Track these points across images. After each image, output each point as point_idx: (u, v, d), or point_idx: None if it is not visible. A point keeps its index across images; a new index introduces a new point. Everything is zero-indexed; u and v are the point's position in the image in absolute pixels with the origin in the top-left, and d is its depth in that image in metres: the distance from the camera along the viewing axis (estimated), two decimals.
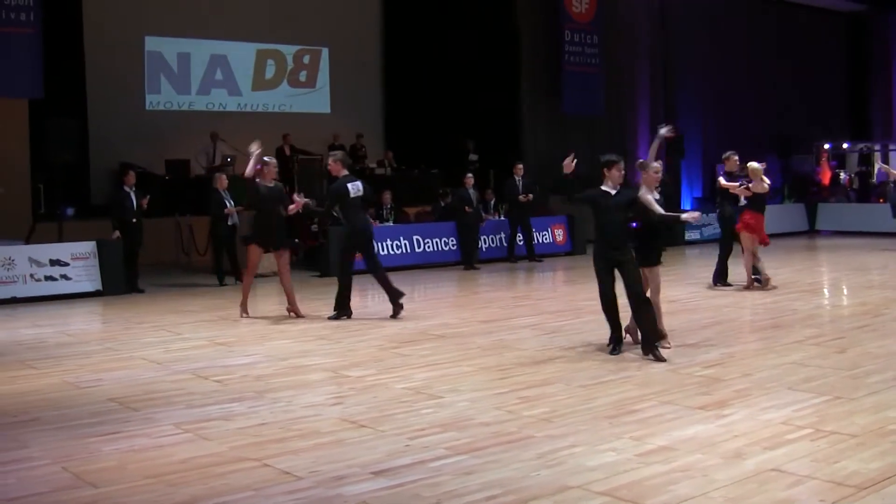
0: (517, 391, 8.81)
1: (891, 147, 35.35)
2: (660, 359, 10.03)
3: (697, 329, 11.87)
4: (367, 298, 16.59)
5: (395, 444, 7.17)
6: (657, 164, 11.06)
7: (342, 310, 13.77)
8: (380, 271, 13.80)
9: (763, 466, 6.47)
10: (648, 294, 10.69)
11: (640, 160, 11.36)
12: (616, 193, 10.45)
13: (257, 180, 13.70)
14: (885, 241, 24.24)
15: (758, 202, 15.51)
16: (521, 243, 21.97)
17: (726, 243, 16.30)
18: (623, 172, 10.60)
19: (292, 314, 14.02)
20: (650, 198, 10.72)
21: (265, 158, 14.00)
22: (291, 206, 13.87)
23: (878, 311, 13.46)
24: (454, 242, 21.20)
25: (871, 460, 6.57)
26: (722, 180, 16.07)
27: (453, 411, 8.11)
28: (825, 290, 16.85)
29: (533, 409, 8.09)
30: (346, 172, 13.80)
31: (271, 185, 13.87)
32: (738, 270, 15.98)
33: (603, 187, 10.51)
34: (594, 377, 9.36)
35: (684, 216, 11.11)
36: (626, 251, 10.42)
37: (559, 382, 9.15)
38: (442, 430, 7.52)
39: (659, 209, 10.67)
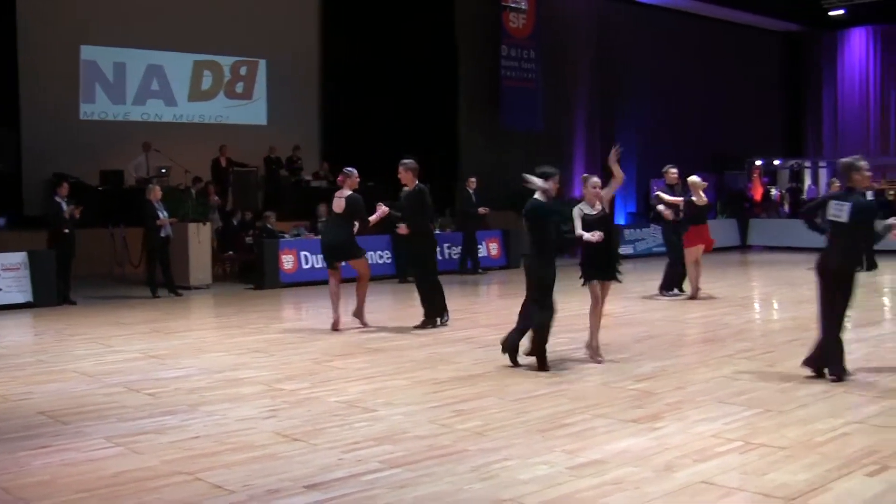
0: (452, 405, 8.82)
1: (821, 164, 35.93)
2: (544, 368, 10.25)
3: (631, 343, 11.96)
4: (302, 311, 16.58)
5: (329, 457, 7.15)
6: (596, 179, 11.11)
7: (443, 310, 13.80)
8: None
9: (693, 479, 6.54)
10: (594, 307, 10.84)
11: (584, 175, 11.39)
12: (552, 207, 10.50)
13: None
14: (813, 256, 24.47)
15: (699, 216, 15.85)
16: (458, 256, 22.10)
17: (673, 251, 16.67)
18: (559, 185, 10.66)
19: (359, 322, 13.95)
20: (577, 211, 10.82)
21: (346, 169, 13.84)
22: (373, 217, 13.70)
23: (808, 325, 13.58)
24: (389, 255, 21.19)
25: (800, 472, 6.66)
26: (663, 195, 16.36)
27: (388, 425, 8.11)
28: (756, 305, 17.05)
29: (467, 423, 8.11)
30: (416, 181, 13.63)
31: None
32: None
33: (538, 198, 10.47)
34: (528, 391, 9.40)
35: (586, 235, 10.80)
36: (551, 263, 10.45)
37: (493, 396, 9.18)
38: (376, 443, 7.52)
39: (578, 225, 10.74)
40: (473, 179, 22.15)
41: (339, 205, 13.61)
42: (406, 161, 13.69)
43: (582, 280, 10.88)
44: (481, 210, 21.95)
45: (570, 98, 29.98)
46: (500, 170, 25.45)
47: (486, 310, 16.51)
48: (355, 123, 26.07)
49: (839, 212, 9.54)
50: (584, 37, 30.18)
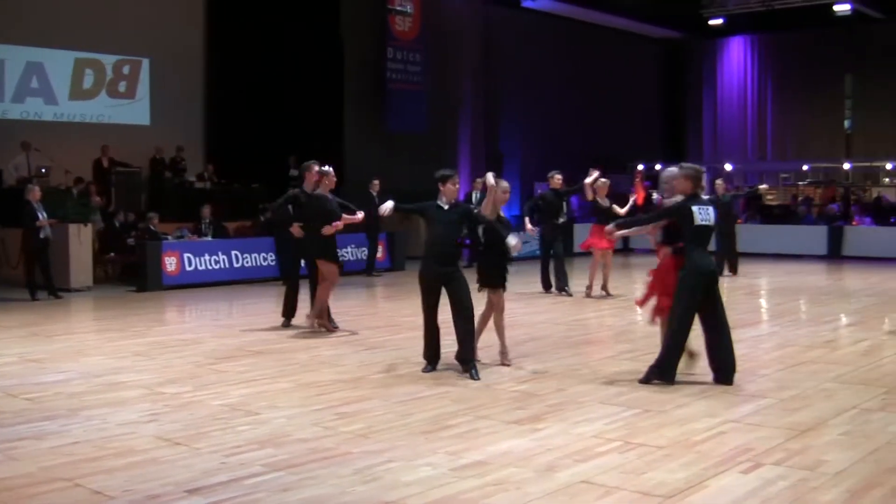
0: (335, 407, 8.83)
1: (701, 168, 36.55)
2: (475, 377, 10.15)
3: (513, 345, 12.05)
4: (185, 314, 16.43)
5: (211, 461, 7.11)
6: (505, 184, 11.19)
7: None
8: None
9: (574, 479, 6.65)
10: (492, 317, 10.93)
11: (493, 179, 11.42)
12: (449, 208, 10.49)
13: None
14: None
15: (602, 216, 16.42)
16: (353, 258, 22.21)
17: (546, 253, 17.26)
18: (457, 187, 10.68)
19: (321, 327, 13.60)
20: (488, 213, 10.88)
21: (323, 168, 13.49)
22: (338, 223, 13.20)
23: None
24: (273, 258, 21.09)
25: (677, 471, 6.82)
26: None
27: (270, 428, 8.09)
28: (638, 307, 17.32)
29: (350, 425, 8.13)
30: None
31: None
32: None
33: (437, 202, 10.53)
34: (411, 393, 9.45)
35: (509, 240, 10.76)
36: (456, 267, 10.45)
37: (376, 398, 9.21)
38: (259, 446, 7.50)
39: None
40: (377, 182, 22.15)
41: None
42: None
43: (478, 286, 10.96)
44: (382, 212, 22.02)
45: (456, 101, 30.14)
46: (385, 172, 25.49)
47: (371, 312, 16.52)
48: (240, 125, 25.84)
49: (706, 217, 9.79)
50: (470, 40, 30.38)
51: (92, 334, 14.04)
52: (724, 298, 17.13)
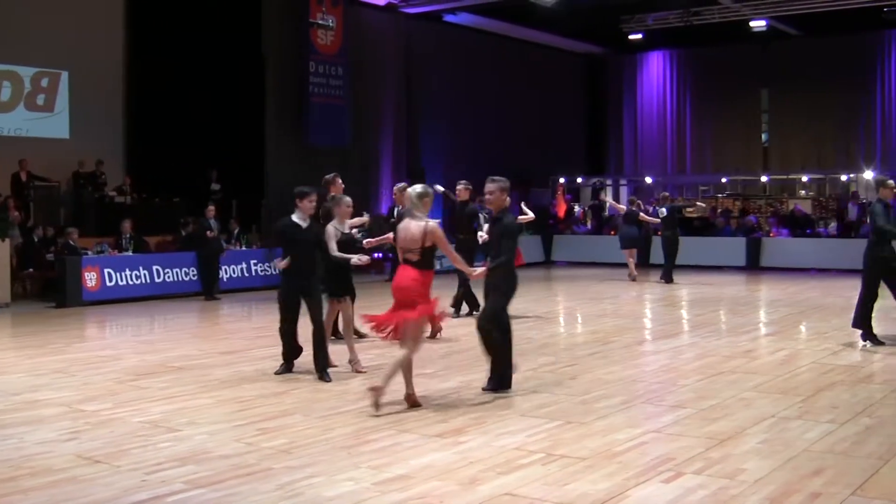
0: (257, 423, 8.80)
1: (622, 182, 37.06)
2: (325, 379, 10.72)
3: (436, 358, 12.11)
4: (105, 330, 16.26)
5: (132, 479, 7.05)
6: (348, 199, 11.45)
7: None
8: None
9: (497, 491, 6.69)
10: (342, 327, 11.21)
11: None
12: (307, 226, 10.87)
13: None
14: (615, 271, 25.29)
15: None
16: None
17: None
18: (314, 204, 10.99)
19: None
20: (330, 229, 11.09)
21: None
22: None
23: (608, 338, 14.10)
24: (195, 272, 20.92)
25: (599, 481, 6.90)
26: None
27: (191, 444, 8.04)
28: (560, 319, 17.47)
29: (272, 441, 8.11)
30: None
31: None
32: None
33: (294, 218, 10.88)
34: (333, 407, 9.44)
35: (354, 259, 11.18)
36: (313, 281, 10.90)
37: (298, 413, 9.20)
38: (180, 463, 7.45)
39: (333, 247, 10.99)
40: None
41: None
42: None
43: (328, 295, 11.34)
44: None
45: (378, 115, 30.12)
46: (307, 186, 25.38)
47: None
48: (161, 139, 25.60)
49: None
50: (392, 54, 30.41)
51: (10, 351, 13.84)
52: (647, 310, 17.47)
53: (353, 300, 11.76)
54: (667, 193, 24.09)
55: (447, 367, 11.62)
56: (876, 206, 13.03)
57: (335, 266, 11.31)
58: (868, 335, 13.26)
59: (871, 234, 13.10)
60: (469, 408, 9.42)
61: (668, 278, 23.11)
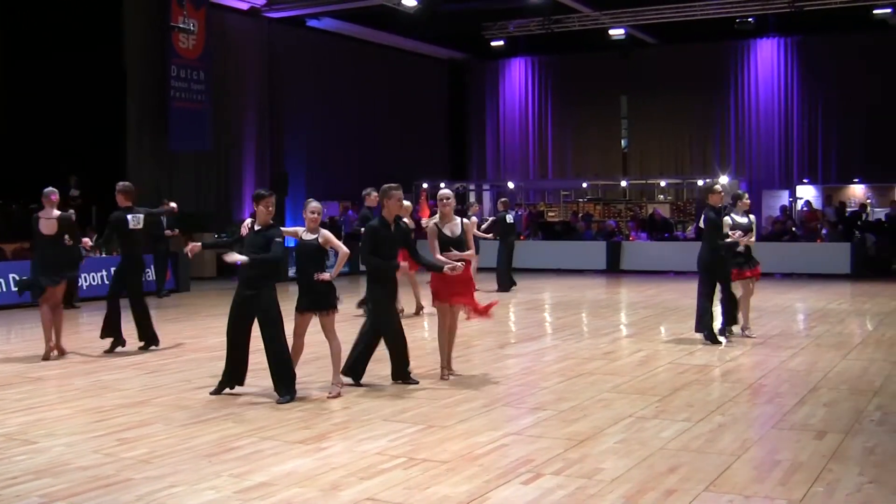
0: (116, 433, 8.67)
1: (484, 187, 37.37)
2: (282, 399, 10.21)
3: (300, 364, 12.04)
4: None
5: None
6: (314, 205, 10.82)
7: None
8: None
9: (359, 497, 6.72)
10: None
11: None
12: (259, 231, 10.18)
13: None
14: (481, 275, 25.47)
15: None
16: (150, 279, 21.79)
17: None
18: (271, 210, 10.23)
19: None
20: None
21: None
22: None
23: (471, 342, 14.23)
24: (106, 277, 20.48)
25: (461, 484, 6.98)
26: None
27: (49, 457, 7.88)
28: (425, 324, 17.52)
29: (132, 451, 8.00)
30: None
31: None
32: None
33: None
34: (195, 416, 9.35)
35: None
36: (258, 291, 10.13)
37: (159, 422, 9.09)
38: (36, 476, 7.30)
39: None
40: (174, 204, 21.77)
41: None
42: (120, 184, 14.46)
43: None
44: (168, 233, 21.78)
45: (241, 119, 29.91)
46: (168, 192, 25.12)
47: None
48: (19, 144, 25.02)
49: None
50: (255, 59, 30.21)
51: None
52: (511, 313, 17.67)
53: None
54: (506, 199, 24.22)
55: (310, 374, 11.56)
56: (708, 212, 13.58)
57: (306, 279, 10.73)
58: (711, 336, 13.78)
59: (704, 241, 13.69)
60: (332, 413, 9.44)
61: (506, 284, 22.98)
